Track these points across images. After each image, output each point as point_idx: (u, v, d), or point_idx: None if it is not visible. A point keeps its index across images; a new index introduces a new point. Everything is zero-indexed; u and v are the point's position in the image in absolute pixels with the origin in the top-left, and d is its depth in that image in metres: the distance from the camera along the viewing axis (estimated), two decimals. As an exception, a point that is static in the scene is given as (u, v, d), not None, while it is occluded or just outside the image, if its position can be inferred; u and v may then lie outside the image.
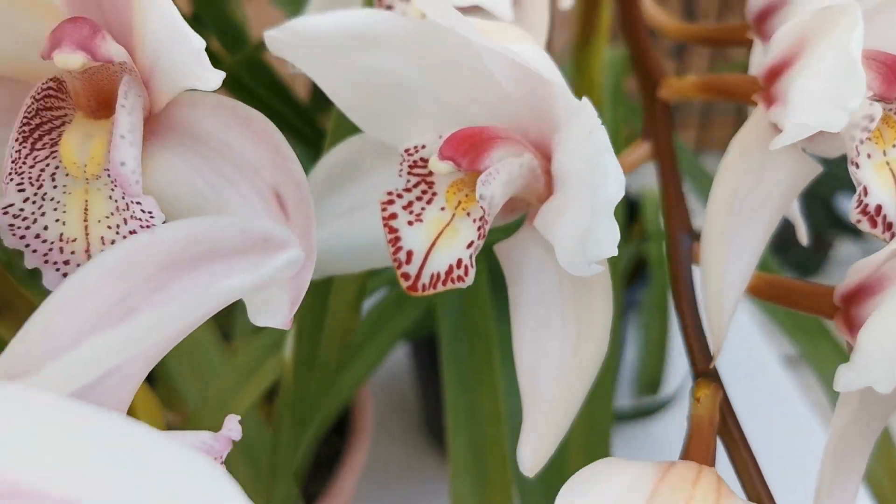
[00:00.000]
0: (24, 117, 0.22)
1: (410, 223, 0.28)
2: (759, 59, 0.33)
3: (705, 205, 0.29)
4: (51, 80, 0.23)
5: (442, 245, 0.28)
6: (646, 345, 0.76)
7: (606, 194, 0.23)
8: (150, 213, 0.22)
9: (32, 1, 0.23)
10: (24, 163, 0.22)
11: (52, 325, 0.18)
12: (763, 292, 0.29)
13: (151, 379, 0.46)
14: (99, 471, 0.13)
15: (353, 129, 0.31)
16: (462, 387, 0.40)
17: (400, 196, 0.28)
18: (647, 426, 0.75)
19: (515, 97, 0.28)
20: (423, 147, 0.28)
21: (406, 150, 0.28)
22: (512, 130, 0.28)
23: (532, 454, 0.28)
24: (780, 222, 0.29)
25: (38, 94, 0.23)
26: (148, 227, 0.22)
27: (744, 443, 0.29)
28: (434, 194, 0.28)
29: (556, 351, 0.28)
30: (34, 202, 0.23)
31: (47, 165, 0.23)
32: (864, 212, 0.26)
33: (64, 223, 0.23)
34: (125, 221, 0.23)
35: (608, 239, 0.24)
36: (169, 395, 0.47)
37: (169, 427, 0.44)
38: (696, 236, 0.32)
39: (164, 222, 0.23)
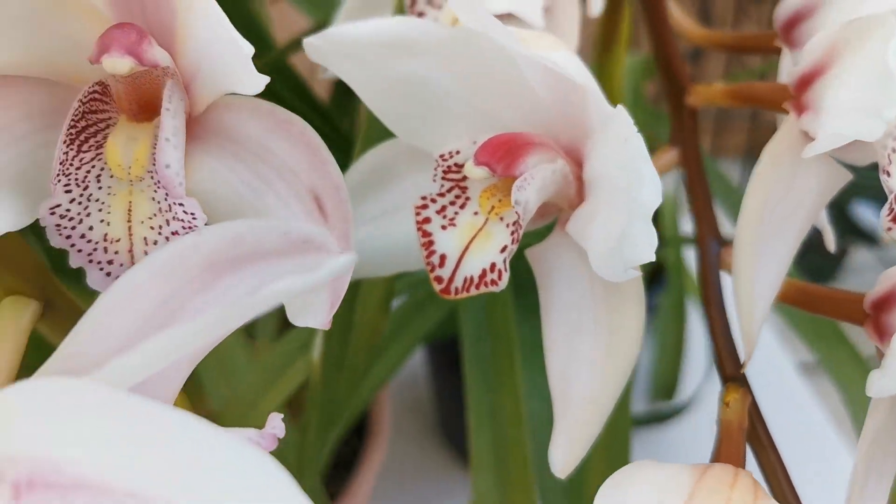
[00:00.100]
0: (72, 120, 0.23)
1: (444, 227, 0.28)
2: (789, 68, 0.33)
3: (724, 209, 0.29)
4: (96, 83, 0.24)
5: (475, 249, 0.28)
6: (661, 350, 0.76)
7: (643, 201, 0.24)
8: (192, 214, 0.23)
9: (77, 6, 0.24)
10: (70, 164, 0.23)
11: (103, 324, 0.19)
12: (793, 299, 0.30)
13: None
14: (163, 465, 0.14)
15: (383, 136, 0.32)
16: (484, 387, 0.40)
17: (433, 200, 0.29)
18: (662, 431, 0.75)
19: (548, 103, 0.29)
20: (458, 152, 0.29)
21: (441, 156, 0.29)
22: (545, 136, 0.29)
23: (563, 457, 0.28)
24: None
25: (85, 97, 0.23)
26: (190, 227, 0.23)
27: (772, 447, 0.29)
28: (467, 199, 0.29)
29: (587, 355, 0.28)
30: (80, 203, 0.23)
31: (93, 167, 0.23)
32: (896, 220, 0.26)
33: (108, 223, 0.23)
34: (168, 222, 0.23)
35: (645, 244, 0.24)
36: (191, 393, 0.47)
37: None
38: (724, 242, 0.32)
39: (205, 224, 0.23)
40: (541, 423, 0.40)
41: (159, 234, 0.23)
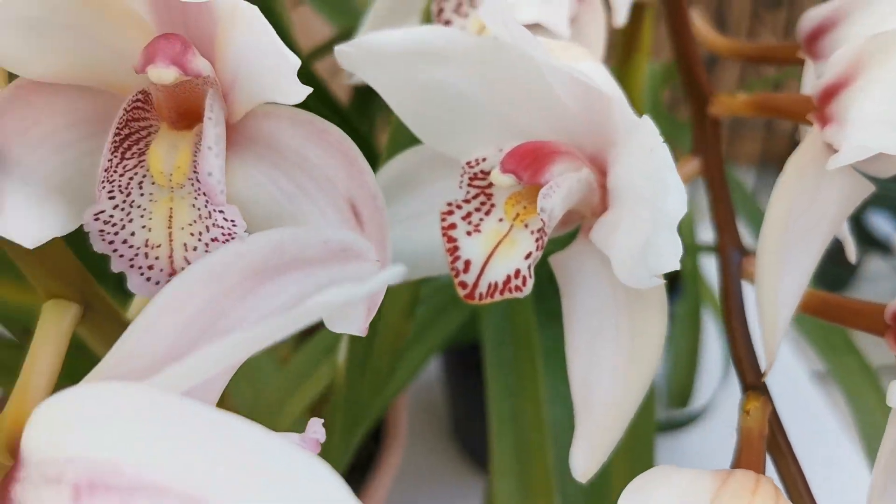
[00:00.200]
0: (117, 128, 0.24)
1: (469, 233, 0.29)
2: (812, 80, 0.33)
3: (740, 218, 0.30)
4: (140, 92, 0.24)
5: (500, 255, 0.28)
6: (676, 357, 0.76)
7: (668, 210, 0.24)
8: (232, 221, 0.23)
9: (121, 16, 0.24)
10: (114, 171, 0.24)
11: (151, 329, 0.19)
12: (814, 309, 0.30)
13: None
14: (221, 468, 0.14)
15: (409, 142, 0.32)
16: (506, 392, 0.41)
17: (459, 207, 0.29)
18: (676, 439, 0.75)
19: (573, 112, 0.29)
20: (484, 160, 0.29)
21: (467, 163, 0.29)
22: (570, 145, 0.29)
23: (584, 462, 0.29)
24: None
25: (129, 106, 0.24)
26: (230, 234, 0.23)
27: (791, 456, 0.29)
28: (493, 206, 0.29)
29: (609, 362, 0.29)
30: (123, 209, 0.24)
31: (135, 174, 0.24)
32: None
33: (149, 229, 0.24)
34: (207, 229, 0.24)
35: (670, 253, 0.24)
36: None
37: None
38: (745, 252, 0.33)
39: (245, 231, 0.24)
40: (562, 429, 0.40)
41: (199, 240, 0.24)
